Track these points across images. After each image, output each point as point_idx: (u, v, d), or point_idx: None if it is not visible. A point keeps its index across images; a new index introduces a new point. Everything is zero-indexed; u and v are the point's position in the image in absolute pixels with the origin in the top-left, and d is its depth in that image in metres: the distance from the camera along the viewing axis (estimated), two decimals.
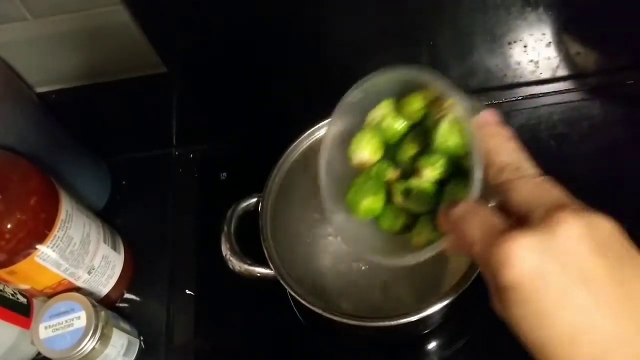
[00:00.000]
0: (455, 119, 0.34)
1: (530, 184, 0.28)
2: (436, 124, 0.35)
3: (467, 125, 0.32)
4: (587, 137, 0.68)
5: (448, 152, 0.35)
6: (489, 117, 0.33)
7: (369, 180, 0.39)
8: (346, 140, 0.39)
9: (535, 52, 0.68)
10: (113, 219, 0.65)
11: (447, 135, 0.34)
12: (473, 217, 0.28)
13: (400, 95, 0.37)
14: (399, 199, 0.38)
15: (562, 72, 0.71)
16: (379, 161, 0.39)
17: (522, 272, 0.24)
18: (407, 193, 0.39)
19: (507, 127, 0.32)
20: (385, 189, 0.39)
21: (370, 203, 0.38)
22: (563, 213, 0.25)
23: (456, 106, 0.33)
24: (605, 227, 0.25)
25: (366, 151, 0.38)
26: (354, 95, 0.38)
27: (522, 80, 0.71)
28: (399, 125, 0.37)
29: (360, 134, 0.39)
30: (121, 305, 0.63)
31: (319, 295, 0.54)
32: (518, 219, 0.27)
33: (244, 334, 0.61)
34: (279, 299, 0.57)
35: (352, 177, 0.40)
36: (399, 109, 0.38)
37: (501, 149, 0.31)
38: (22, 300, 0.56)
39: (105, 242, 0.58)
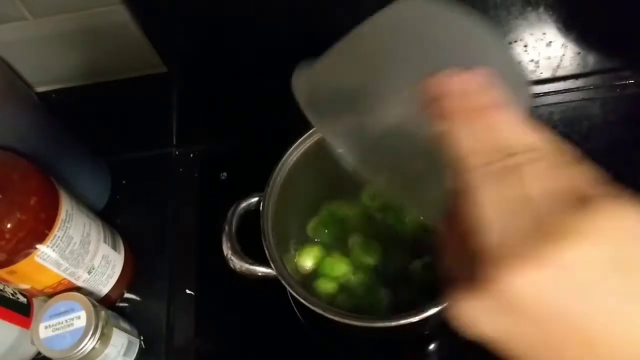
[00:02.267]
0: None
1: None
2: None
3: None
4: (587, 137, 0.68)
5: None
6: (432, 86, 0.22)
7: None
8: None
9: (535, 52, 0.68)
10: (113, 218, 0.65)
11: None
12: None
13: None
14: None
15: (562, 72, 0.71)
16: None
17: None
18: None
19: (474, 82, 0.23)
20: None
21: None
22: (493, 269, 0.20)
23: None
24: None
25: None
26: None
27: None
28: None
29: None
30: (121, 304, 0.63)
31: (319, 295, 0.54)
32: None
33: (244, 333, 0.61)
34: (279, 299, 0.57)
35: None
36: None
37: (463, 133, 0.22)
38: (22, 299, 0.56)
39: (105, 241, 0.58)
